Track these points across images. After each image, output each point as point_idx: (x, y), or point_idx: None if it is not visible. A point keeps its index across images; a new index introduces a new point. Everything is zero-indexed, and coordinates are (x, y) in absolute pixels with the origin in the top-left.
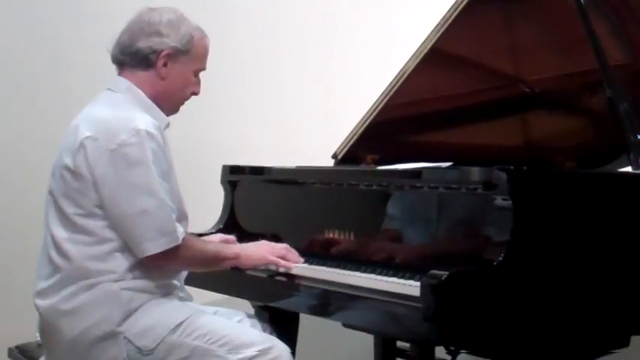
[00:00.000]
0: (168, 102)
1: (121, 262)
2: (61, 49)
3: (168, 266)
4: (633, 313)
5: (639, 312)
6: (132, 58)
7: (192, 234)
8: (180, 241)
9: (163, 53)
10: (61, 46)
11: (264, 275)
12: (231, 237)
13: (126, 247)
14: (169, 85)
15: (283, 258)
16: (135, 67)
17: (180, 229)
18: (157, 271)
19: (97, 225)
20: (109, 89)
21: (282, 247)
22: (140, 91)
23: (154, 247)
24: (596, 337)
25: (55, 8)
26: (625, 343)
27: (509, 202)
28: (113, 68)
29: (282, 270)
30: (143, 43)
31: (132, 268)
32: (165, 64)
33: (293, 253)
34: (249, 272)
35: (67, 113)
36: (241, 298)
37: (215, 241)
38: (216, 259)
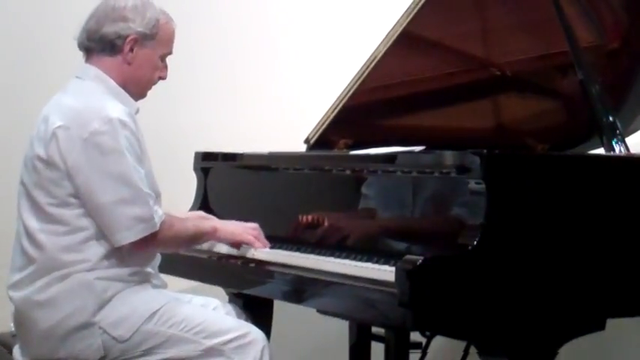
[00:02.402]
0: (137, 87)
1: (95, 251)
2: (35, 37)
3: (150, 250)
4: (609, 296)
5: (615, 295)
6: (98, 43)
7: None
8: (157, 228)
9: (130, 38)
10: (36, 33)
11: (237, 262)
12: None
13: (100, 235)
14: (136, 70)
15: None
16: (101, 53)
17: (159, 213)
18: (137, 256)
19: (70, 214)
20: (77, 77)
21: (255, 227)
22: (109, 78)
23: (130, 235)
24: (571, 320)
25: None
26: (601, 326)
27: (483, 185)
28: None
29: (254, 249)
30: (109, 29)
31: (106, 257)
32: (131, 49)
33: (263, 237)
34: (222, 260)
35: (40, 103)
36: (215, 285)
37: (192, 217)
38: (197, 235)
